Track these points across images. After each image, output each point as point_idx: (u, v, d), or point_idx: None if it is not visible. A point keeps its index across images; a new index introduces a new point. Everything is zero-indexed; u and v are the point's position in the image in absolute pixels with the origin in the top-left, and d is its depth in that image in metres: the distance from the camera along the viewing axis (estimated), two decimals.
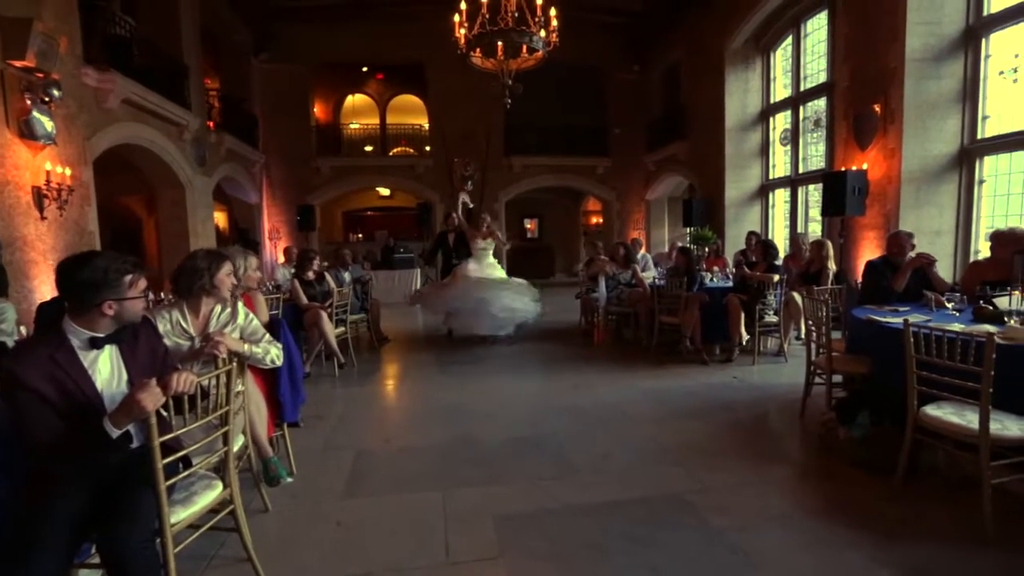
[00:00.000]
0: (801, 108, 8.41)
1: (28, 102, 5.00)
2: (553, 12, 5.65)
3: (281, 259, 8.39)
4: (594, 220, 15.55)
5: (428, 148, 12.94)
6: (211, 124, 9.13)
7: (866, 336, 3.34)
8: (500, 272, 6.54)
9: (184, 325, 2.21)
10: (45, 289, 5.10)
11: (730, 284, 5.68)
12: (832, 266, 5.31)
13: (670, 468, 2.93)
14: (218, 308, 2.31)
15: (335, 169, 12.40)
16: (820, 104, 7.96)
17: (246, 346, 2.25)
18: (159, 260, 8.53)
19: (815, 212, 8.15)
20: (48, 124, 5.18)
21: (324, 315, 5.04)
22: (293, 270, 6.07)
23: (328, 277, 5.57)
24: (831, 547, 2.16)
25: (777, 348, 5.43)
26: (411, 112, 14.83)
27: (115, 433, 1.56)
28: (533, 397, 4.38)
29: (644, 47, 12.08)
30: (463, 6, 5.54)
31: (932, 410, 2.47)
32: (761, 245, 5.48)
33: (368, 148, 14.64)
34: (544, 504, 2.56)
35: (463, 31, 5.67)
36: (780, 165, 9.19)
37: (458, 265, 6.52)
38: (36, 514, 1.47)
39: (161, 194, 8.19)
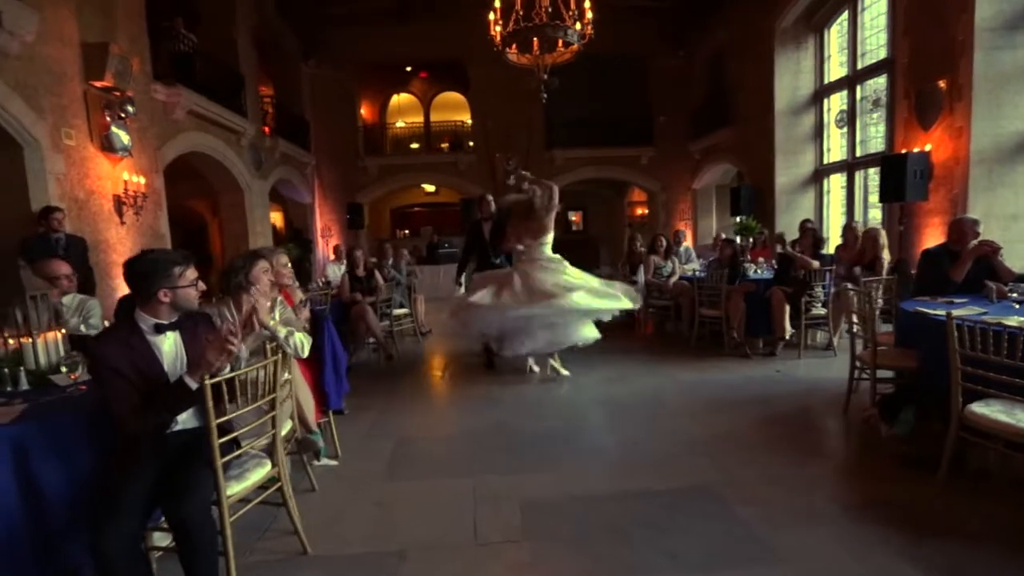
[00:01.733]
0: (858, 87, 7.93)
1: (107, 118, 5.53)
2: (587, 3, 5.62)
3: (331, 256, 8.82)
4: (639, 211, 15.27)
5: (471, 143, 13.12)
6: (267, 130, 9.68)
7: (914, 329, 3.19)
8: (567, 272, 4.42)
9: (231, 319, 2.45)
10: (126, 288, 5.64)
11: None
12: (887, 256, 5.04)
13: (699, 459, 2.93)
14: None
15: (382, 168, 12.82)
16: (879, 82, 7.48)
17: (273, 323, 2.47)
18: (222, 258, 9.19)
19: (876, 198, 7.69)
20: (125, 137, 5.71)
21: (370, 309, 5.31)
22: (343, 266, 6.40)
23: (377, 273, 5.83)
24: (862, 543, 2.12)
25: (826, 342, 5.22)
26: (455, 109, 15.09)
27: (194, 385, 1.79)
28: (568, 389, 4.45)
29: (687, 31, 11.70)
30: (497, 3, 5.62)
31: (979, 408, 2.35)
32: (811, 233, 5.25)
33: (414, 145, 15.05)
34: (570, 491, 2.64)
35: (498, 28, 5.76)
36: (836, 149, 8.71)
37: (500, 266, 4.93)
38: (118, 483, 1.70)
39: (223, 197, 8.80)
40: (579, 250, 15.15)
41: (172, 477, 1.76)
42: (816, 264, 5.04)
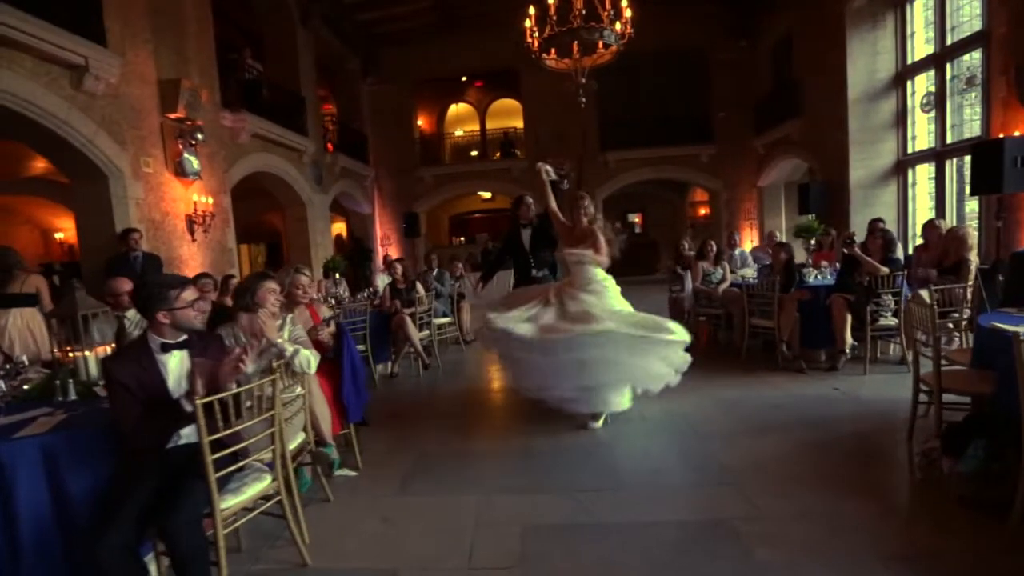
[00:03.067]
0: (948, 66, 7.04)
1: (180, 146, 6.11)
2: (625, 2, 5.42)
3: (382, 266, 9.18)
4: (702, 211, 14.55)
5: (517, 152, 13.17)
6: (329, 147, 10.28)
7: (991, 347, 2.75)
8: (615, 298, 3.65)
9: (243, 336, 2.59)
10: None
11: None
12: (974, 258, 4.41)
13: (723, 489, 2.70)
14: (277, 319, 2.67)
15: (437, 177, 13.18)
16: (974, 57, 6.59)
17: (281, 340, 2.57)
18: None
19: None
20: (195, 163, 6.28)
21: (408, 320, 5.43)
22: (390, 278, 6.62)
23: (419, 284, 5.96)
24: None
25: (899, 356, 4.65)
26: (511, 115, 15.21)
27: (189, 408, 1.90)
28: None
29: (749, 19, 11.00)
30: (531, 11, 5.57)
31: None
32: (882, 235, 4.70)
33: (474, 153, 15.34)
34: (576, 518, 2.52)
35: (535, 35, 5.70)
36: (922, 136, 7.78)
37: (542, 280, 4.27)
38: (117, 494, 1.84)
39: (288, 211, 9.44)
40: (638, 253, 14.77)
41: (167, 490, 1.87)
42: (885, 270, 4.50)
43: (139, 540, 1.81)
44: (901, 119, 7.95)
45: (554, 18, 5.37)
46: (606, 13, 5.36)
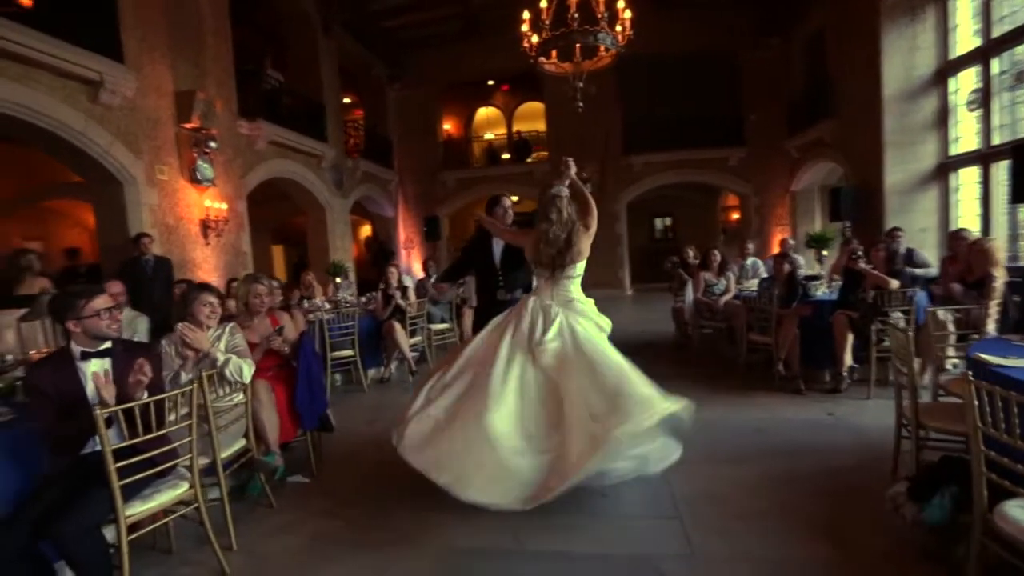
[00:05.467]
0: (995, 60, 6.42)
1: (195, 154, 6.40)
2: (621, 4, 5.26)
3: (404, 269, 9.30)
4: (734, 216, 13.94)
5: (531, 158, 13.05)
6: (353, 152, 10.52)
7: (981, 378, 2.46)
8: (593, 329, 2.79)
9: (177, 346, 2.67)
10: None
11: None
12: (1000, 274, 3.98)
13: (664, 523, 2.53)
14: (215, 328, 2.74)
15: (460, 181, 13.26)
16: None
17: (219, 353, 2.62)
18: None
19: None
20: (209, 170, 6.57)
21: (397, 326, 5.46)
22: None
23: (410, 291, 5.99)
24: None
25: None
26: (539, 119, 15.10)
27: (98, 414, 1.93)
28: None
29: (781, 15, 10.45)
30: (526, 15, 5.49)
31: (1016, 510, 1.72)
32: (887, 247, 4.32)
33: (505, 156, 15.35)
34: (497, 542, 2.43)
35: (533, 39, 5.62)
36: (968, 136, 7.14)
37: (508, 299, 3.21)
38: (29, 494, 1.92)
39: (308, 215, 9.73)
40: (665, 258, 14.33)
41: (68, 496, 1.93)
42: (895, 283, 4.14)
43: (33, 543, 1.87)
44: (942, 119, 7.33)
45: (547, 22, 5.27)
46: (601, 15, 5.21)
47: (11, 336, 4.15)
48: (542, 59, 5.80)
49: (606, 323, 2.90)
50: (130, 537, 2.05)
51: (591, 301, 2.91)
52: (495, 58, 11.89)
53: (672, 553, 2.28)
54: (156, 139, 6.00)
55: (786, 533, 2.41)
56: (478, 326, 3.11)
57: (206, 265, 6.63)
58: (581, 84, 5.71)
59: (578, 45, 5.70)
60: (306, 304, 5.66)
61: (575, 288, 2.85)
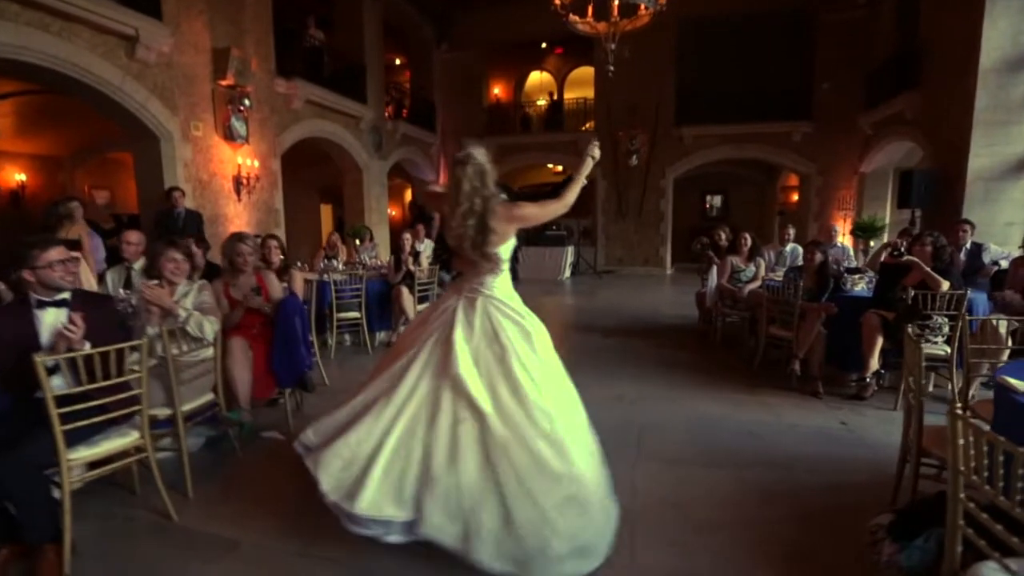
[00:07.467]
0: None
1: (229, 111, 6.57)
2: None
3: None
4: (794, 197, 12.86)
5: (585, 127, 12.48)
6: (389, 113, 10.48)
7: (1004, 408, 2.09)
8: (515, 339, 2.18)
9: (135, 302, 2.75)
10: None
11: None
12: None
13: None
14: (184, 285, 2.80)
15: (501, 147, 12.96)
16: None
17: (180, 309, 2.69)
18: None
19: None
20: (243, 128, 6.74)
21: (405, 291, 5.47)
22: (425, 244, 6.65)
23: (422, 257, 5.96)
24: None
25: (952, 393, 3.76)
26: (591, 84, 14.45)
27: (50, 363, 2.04)
28: None
29: None
30: None
31: (990, 573, 1.43)
32: (934, 242, 3.77)
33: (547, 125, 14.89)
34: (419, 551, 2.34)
35: None
36: None
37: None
38: None
39: (346, 176, 9.88)
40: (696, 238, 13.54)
41: (14, 434, 2.04)
42: (945, 285, 3.62)
43: None
44: None
45: None
46: None
47: None
48: (574, 17, 5.42)
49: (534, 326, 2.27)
50: (89, 475, 2.18)
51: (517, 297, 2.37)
52: (542, 18, 11.34)
53: (607, 566, 2.09)
54: (192, 95, 6.20)
55: (745, 555, 2.19)
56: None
57: (238, 220, 6.89)
58: (613, 46, 5.29)
59: (615, 1, 5.27)
60: (323, 264, 5.79)
61: (499, 283, 2.26)
